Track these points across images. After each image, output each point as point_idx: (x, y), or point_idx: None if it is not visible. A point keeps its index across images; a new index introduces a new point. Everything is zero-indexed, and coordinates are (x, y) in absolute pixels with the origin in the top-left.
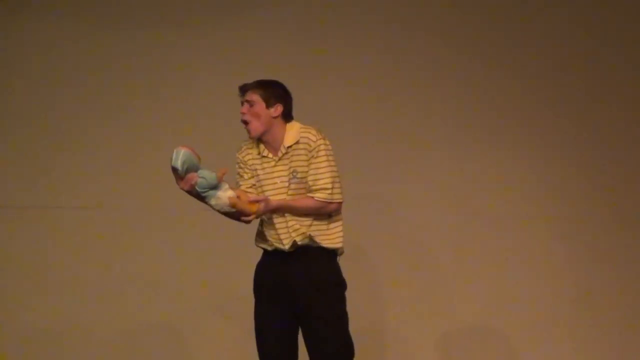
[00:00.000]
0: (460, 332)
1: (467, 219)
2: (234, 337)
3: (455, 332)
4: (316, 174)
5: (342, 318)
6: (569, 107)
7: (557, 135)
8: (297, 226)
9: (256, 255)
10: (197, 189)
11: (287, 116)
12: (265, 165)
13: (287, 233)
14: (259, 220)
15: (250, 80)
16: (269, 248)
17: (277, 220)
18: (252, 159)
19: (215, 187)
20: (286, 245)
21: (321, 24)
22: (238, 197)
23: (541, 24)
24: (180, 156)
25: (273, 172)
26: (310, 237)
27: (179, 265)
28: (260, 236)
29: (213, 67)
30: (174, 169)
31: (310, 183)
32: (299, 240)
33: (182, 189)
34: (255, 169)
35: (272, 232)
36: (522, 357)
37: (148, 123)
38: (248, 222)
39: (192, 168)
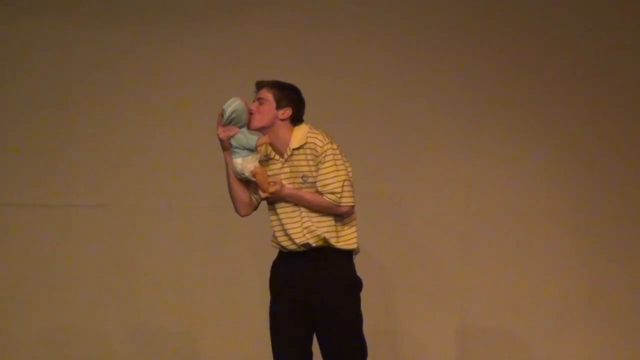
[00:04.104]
0: (471, 330)
1: (477, 216)
2: (246, 336)
3: (466, 330)
4: (325, 179)
5: (356, 319)
6: (579, 103)
7: (568, 132)
8: (313, 228)
9: (268, 253)
10: (233, 142)
11: (295, 120)
12: (272, 166)
13: (302, 233)
14: (275, 220)
15: (259, 78)
16: (284, 250)
17: (293, 220)
18: (260, 159)
19: (250, 149)
20: (298, 243)
21: (328, 22)
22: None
23: (551, 20)
24: (233, 105)
25: (280, 174)
26: (325, 240)
27: (190, 264)
28: (276, 237)
29: (220, 65)
30: (222, 112)
31: (320, 189)
32: (313, 242)
33: (218, 135)
34: None
35: (285, 232)
36: (534, 354)
37: (159, 121)
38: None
39: (237, 121)
